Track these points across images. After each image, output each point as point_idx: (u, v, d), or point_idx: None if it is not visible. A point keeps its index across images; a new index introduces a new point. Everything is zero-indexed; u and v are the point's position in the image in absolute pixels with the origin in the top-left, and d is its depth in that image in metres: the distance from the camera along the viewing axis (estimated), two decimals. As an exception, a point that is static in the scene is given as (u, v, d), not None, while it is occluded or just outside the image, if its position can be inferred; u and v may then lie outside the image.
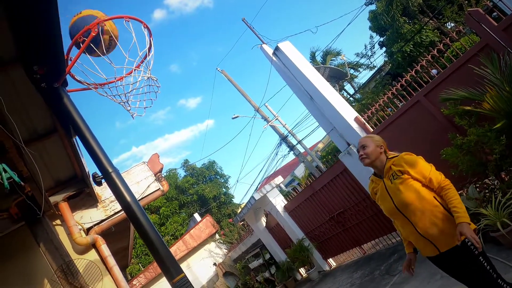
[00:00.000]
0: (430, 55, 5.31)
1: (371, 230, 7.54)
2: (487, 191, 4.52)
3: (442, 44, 5.15)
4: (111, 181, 2.04)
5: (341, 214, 8.17)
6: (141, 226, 1.94)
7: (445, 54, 5.71)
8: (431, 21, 16.57)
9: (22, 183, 2.47)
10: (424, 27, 16.23)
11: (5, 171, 2.26)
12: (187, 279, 1.89)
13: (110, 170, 2.07)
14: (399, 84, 5.84)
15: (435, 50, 5.20)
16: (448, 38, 5.18)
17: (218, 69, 19.73)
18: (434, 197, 2.17)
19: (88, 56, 2.32)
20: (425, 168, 2.21)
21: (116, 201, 4.95)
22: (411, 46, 16.37)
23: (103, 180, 2.15)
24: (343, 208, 8.00)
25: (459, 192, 5.06)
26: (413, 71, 5.55)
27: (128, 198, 2.01)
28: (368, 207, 7.29)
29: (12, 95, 3.12)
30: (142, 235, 1.94)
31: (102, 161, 2.09)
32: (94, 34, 2.15)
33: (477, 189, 4.68)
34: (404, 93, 5.97)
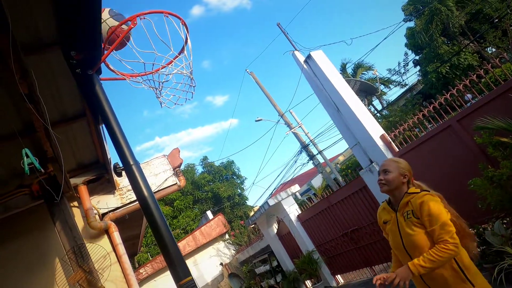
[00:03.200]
0: (468, 80, 5.09)
1: (384, 252, 7.31)
2: (515, 228, 4.28)
3: (482, 70, 4.93)
4: (131, 173, 2.05)
5: (355, 232, 7.96)
6: (155, 222, 1.93)
7: (483, 79, 5.47)
8: (471, 44, 16.01)
9: (41, 170, 2.52)
10: (464, 50, 15.70)
11: (27, 156, 2.30)
12: (194, 282, 1.85)
13: (132, 162, 2.08)
14: (431, 106, 5.64)
15: (475, 75, 4.98)
16: (489, 64, 4.96)
17: (248, 70, 19.83)
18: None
19: (114, 53, 2.34)
20: (436, 218, 1.93)
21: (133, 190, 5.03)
22: (448, 67, 15.89)
23: (123, 172, 2.15)
24: (358, 225, 7.80)
25: (483, 226, 4.85)
26: (448, 94, 5.34)
27: (146, 192, 2.00)
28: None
29: (48, 77, 3.21)
30: (154, 231, 1.93)
31: (125, 152, 2.10)
32: (132, 26, 2.18)
33: (504, 226, 4.43)
34: (436, 115, 5.76)
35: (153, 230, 1.94)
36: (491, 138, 4.51)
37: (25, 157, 2.35)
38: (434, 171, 5.77)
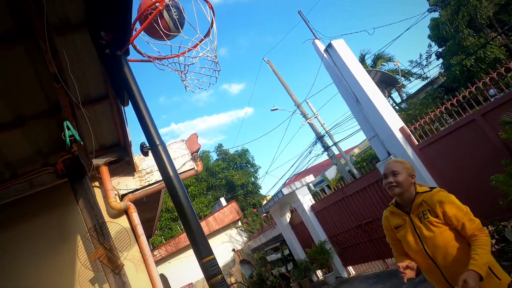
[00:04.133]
0: (495, 74, 4.93)
1: (398, 245, 7.27)
2: (536, 227, 4.18)
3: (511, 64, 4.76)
4: (157, 153, 2.09)
5: (369, 224, 7.93)
6: (179, 201, 1.98)
7: (510, 74, 5.28)
8: (499, 36, 15.40)
9: (81, 142, 2.60)
10: (490, 42, 15.13)
11: (69, 129, 2.38)
12: (216, 261, 1.90)
13: (158, 142, 2.12)
14: (455, 99, 5.49)
15: (503, 68, 4.82)
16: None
17: (265, 59, 19.69)
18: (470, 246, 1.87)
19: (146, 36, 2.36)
20: (460, 210, 1.90)
21: (152, 173, 5.12)
22: (473, 60, 15.37)
23: (149, 152, 2.20)
24: (372, 218, 7.76)
25: (503, 223, 4.75)
26: (474, 87, 5.19)
27: (171, 172, 2.05)
28: (399, 221, 7.02)
29: (73, 58, 3.27)
30: (179, 210, 1.98)
31: (151, 132, 2.14)
32: (161, 8, 2.19)
33: (525, 224, 4.34)
34: (459, 109, 5.62)
35: (178, 209, 1.99)
36: (516, 133, 4.38)
37: (66, 129, 2.44)
38: (454, 166, 5.66)
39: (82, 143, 2.64)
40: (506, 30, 15.52)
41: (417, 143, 6.25)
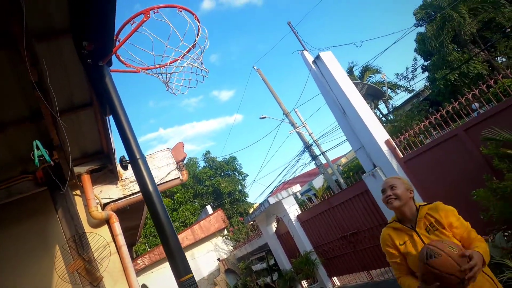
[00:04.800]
0: (478, 90, 5.05)
1: (382, 257, 7.29)
2: (516, 242, 4.25)
3: (493, 81, 4.89)
4: (137, 167, 2.04)
5: (354, 235, 7.96)
6: (158, 217, 1.93)
7: (492, 89, 5.42)
8: (482, 53, 15.87)
9: (51, 162, 2.52)
10: (474, 58, 15.57)
11: (38, 148, 2.30)
12: (195, 280, 1.85)
13: (138, 156, 2.07)
14: (439, 114, 5.60)
15: (484, 85, 4.94)
16: (501, 75, 4.92)
17: (255, 67, 19.80)
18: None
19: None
20: (463, 221, 1.96)
21: (136, 182, 5.04)
22: (456, 75, 15.77)
23: (129, 165, 2.15)
24: (357, 229, 7.79)
25: (484, 237, 4.83)
26: (457, 102, 5.30)
27: (150, 187, 2.00)
28: (384, 233, 7.06)
29: (57, 64, 3.21)
30: (157, 226, 1.93)
31: (132, 146, 2.10)
32: (145, 20, 2.17)
33: (505, 238, 4.41)
34: (443, 123, 5.72)
35: (156, 226, 1.94)
36: (497, 149, 4.48)
37: (35, 149, 2.34)
38: (437, 179, 5.74)
39: (52, 163, 2.56)
40: (488, 46, 16.01)
41: (402, 155, 6.33)
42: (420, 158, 5.98)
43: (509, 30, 15.50)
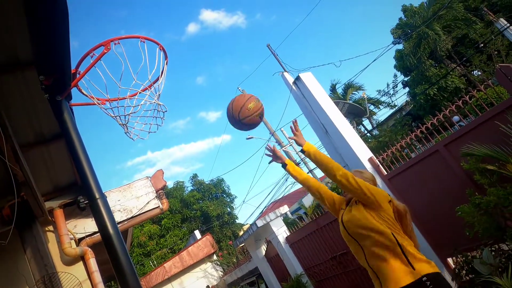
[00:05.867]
0: (454, 106, 5.11)
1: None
2: (503, 258, 4.19)
3: (468, 96, 4.96)
4: (96, 208, 1.91)
5: (343, 255, 7.80)
6: (119, 263, 1.78)
7: (468, 105, 5.49)
8: (458, 67, 16.38)
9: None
10: (451, 73, 16.04)
11: None
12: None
13: (97, 196, 1.94)
14: (418, 131, 5.63)
15: (461, 101, 5.01)
16: (475, 90, 5.00)
17: (239, 88, 19.92)
18: (377, 221, 2.07)
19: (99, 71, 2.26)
20: (383, 200, 2.16)
21: (114, 213, 4.83)
22: (435, 89, 16.18)
23: (87, 206, 2.02)
24: (346, 249, 7.64)
25: (473, 254, 4.76)
26: (435, 119, 5.35)
27: (111, 230, 1.86)
28: (373, 252, 6.94)
29: (24, 96, 3.09)
30: (118, 273, 1.78)
31: (90, 185, 1.97)
32: (106, 51, 2.09)
33: (493, 254, 4.35)
34: (424, 139, 5.75)
35: (116, 272, 1.79)
36: (477, 164, 4.48)
37: None
38: (422, 195, 5.71)
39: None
40: (464, 61, 16.55)
41: (386, 173, 6.31)
42: (404, 175, 5.96)
43: (482, 45, 16.10)
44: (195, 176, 28.96)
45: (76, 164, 2.06)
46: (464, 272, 4.64)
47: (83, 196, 4.19)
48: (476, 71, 17.47)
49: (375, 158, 6.49)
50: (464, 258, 4.66)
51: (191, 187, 28.59)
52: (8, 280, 3.89)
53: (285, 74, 8.10)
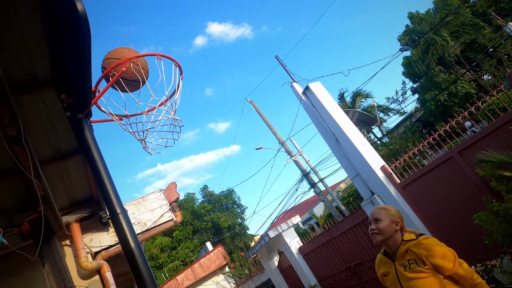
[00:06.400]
0: (467, 112, 5.07)
1: None
2: (525, 266, 4.09)
3: (481, 102, 4.92)
4: (117, 222, 1.95)
5: (358, 266, 7.69)
6: (141, 276, 1.80)
7: (480, 110, 5.44)
8: (468, 72, 16.24)
9: (5, 242, 2.41)
10: (460, 78, 15.91)
11: None
12: None
13: (119, 211, 1.98)
14: (431, 138, 5.59)
15: (473, 107, 4.97)
16: (487, 96, 4.96)
17: (248, 99, 20.04)
18: None
19: (118, 89, 2.32)
20: (449, 258, 1.86)
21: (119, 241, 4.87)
22: (446, 95, 16.03)
23: (109, 221, 2.06)
24: (361, 259, 7.54)
25: (492, 263, 4.66)
26: (448, 125, 5.31)
27: (132, 243, 1.89)
28: (389, 262, 6.84)
29: (42, 115, 3.18)
30: (139, 285, 1.81)
31: (112, 200, 2.01)
32: (124, 69, 2.16)
33: (513, 262, 4.25)
34: (437, 146, 5.69)
35: (138, 285, 1.81)
36: (493, 171, 4.42)
37: None
38: (436, 203, 5.63)
39: (5, 242, 2.46)
40: (473, 66, 16.41)
41: (399, 181, 6.25)
42: (417, 183, 5.90)
43: (491, 50, 15.97)
44: (205, 187, 29.03)
45: (97, 180, 2.11)
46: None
47: (99, 210, 4.25)
48: (487, 75, 17.29)
49: (387, 167, 6.45)
50: (483, 267, 4.56)
51: (202, 199, 28.65)
52: (27, 295, 3.94)
53: (294, 84, 8.15)
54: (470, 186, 5.07)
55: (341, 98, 22.39)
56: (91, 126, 2.37)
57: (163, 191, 5.23)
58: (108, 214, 2.03)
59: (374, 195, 6.52)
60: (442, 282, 1.85)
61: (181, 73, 2.46)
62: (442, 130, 5.44)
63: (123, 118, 2.52)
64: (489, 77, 17.03)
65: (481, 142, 4.82)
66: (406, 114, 22.05)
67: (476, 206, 4.62)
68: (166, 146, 2.50)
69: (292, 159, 19.14)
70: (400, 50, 19.49)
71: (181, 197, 28.09)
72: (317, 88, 7.42)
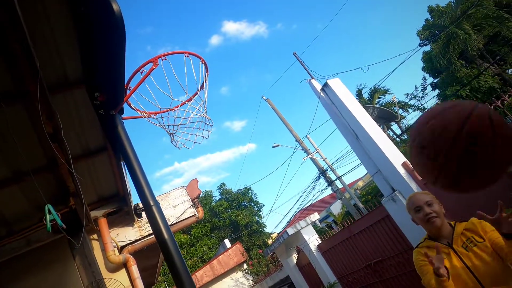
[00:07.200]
0: (492, 106, 4.95)
1: (411, 285, 6.92)
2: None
3: (507, 96, 4.79)
4: (151, 214, 2.03)
5: (379, 263, 7.61)
6: (174, 264, 1.87)
7: (506, 103, 5.29)
8: (491, 66, 15.75)
9: (63, 226, 2.53)
10: (483, 73, 15.45)
11: (50, 213, 2.32)
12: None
13: (152, 203, 2.06)
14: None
15: (499, 101, 4.85)
16: (514, 90, 4.83)
17: (264, 97, 20.02)
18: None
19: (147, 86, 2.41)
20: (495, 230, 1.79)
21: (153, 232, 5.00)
22: (468, 90, 15.61)
23: (143, 212, 2.14)
24: (381, 257, 7.46)
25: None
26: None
27: (166, 234, 1.97)
28: (410, 260, 6.74)
29: (72, 113, 3.32)
30: (174, 274, 1.88)
31: (145, 193, 2.09)
32: (154, 67, 2.24)
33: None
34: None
35: (172, 274, 1.88)
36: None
37: (47, 214, 2.35)
38: (461, 201, 5.51)
39: (64, 226, 2.57)
40: (497, 60, 15.91)
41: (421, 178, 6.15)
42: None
43: (516, 42, 15.44)
44: (222, 185, 29.27)
45: (131, 173, 2.19)
46: None
47: (125, 206, 4.38)
48: (511, 69, 16.73)
49: (409, 163, 6.35)
50: None
51: (219, 196, 28.90)
52: (62, 286, 4.11)
53: (313, 81, 8.12)
54: (499, 182, 4.95)
55: (359, 95, 22.12)
56: (123, 123, 2.46)
57: (185, 187, 5.34)
58: (140, 206, 2.11)
59: (395, 192, 6.44)
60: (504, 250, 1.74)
61: (206, 70, 2.52)
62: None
63: (151, 114, 2.60)
64: (514, 71, 16.48)
65: None
66: (426, 110, 21.60)
67: (504, 202, 4.51)
68: (194, 142, 2.57)
69: (309, 157, 19.04)
70: (419, 45, 19.08)
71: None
72: (336, 84, 7.37)
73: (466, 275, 1.79)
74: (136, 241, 4.71)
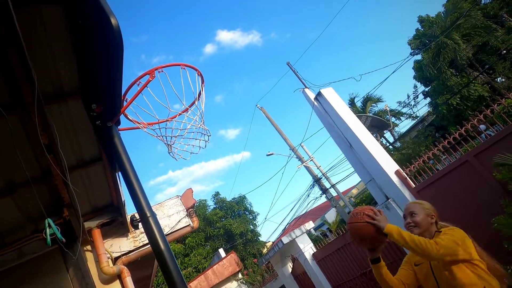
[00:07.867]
0: (482, 115, 5.05)
1: (406, 293, 6.93)
2: (546, 270, 4.03)
3: (496, 104, 4.90)
4: (148, 225, 2.03)
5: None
6: (171, 277, 1.87)
7: (495, 112, 5.40)
8: (481, 75, 16.07)
9: (63, 239, 2.52)
10: (473, 81, 15.74)
11: (50, 226, 2.31)
12: None
13: (148, 214, 2.07)
14: (446, 141, 5.57)
15: (488, 110, 4.95)
16: (503, 98, 4.94)
17: (258, 106, 20.14)
18: (485, 286, 1.87)
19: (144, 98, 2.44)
20: (470, 245, 1.97)
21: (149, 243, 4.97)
22: (458, 99, 15.86)
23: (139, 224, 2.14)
24: (376, 265, 7.48)
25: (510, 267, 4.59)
26: (463, 129, 5.29)
27: (162, 245, 1.97)
28: (405, 268, 6.77)
29: (66, 123, 3.31)
30: (170, 285, 1.88)
31: (142, 204, 2.10)
32: (151, 79, 2.27)
33: (534, 267, 4.19)
34: (451, 149, 5.67)
35: (169, 284, 1.88)
36: (511, 174, 4.39)
37: (47, 228, 2.34)
38: (453, 207, 5.58)
39: (64, 240, 2.57)
40: (486, 69, 16.24)
41: (414, 185, 6.22)
42: (433, 187, 5.87)
43: (504, 51, 15.79)
44: (217, 194, 29.13)
45: (128, 184, 2.20)
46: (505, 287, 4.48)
47: (119, 216, 4.35)
48: (500, 78, 17.07)
49: (402, 171, 6.43)
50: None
51: (214, 205, 28.73)
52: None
53: (306, 90, 8.22)
54: (487, 190, 5.03)
55: (352, 103, 22.34)
56: (120, 134, 2.47)
57: (179, 197, 5.32)
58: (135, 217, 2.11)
59: (389, 200, 6.50)
60: (474, 265, 1.91)
61: (202, 81, 2.56)
62: (457, 133, 5.42)
63: (147, 125, 2.62)
64: (503, 80, 16.81)
65: (498, 145, 4.79)
66: (418, 118, 21.86)
67: (494, 210, 4.58)
68: (191, 153, 2.59)
69: (303, 165, 19.10)
70: (411, 54, 19.41)
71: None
72: (329, 93, 7.46)
73: (431, 280, 1.99)
74: (130, 251, 4.66)
